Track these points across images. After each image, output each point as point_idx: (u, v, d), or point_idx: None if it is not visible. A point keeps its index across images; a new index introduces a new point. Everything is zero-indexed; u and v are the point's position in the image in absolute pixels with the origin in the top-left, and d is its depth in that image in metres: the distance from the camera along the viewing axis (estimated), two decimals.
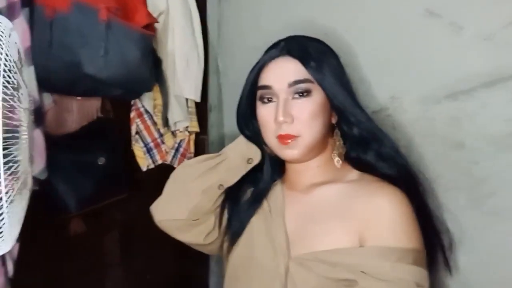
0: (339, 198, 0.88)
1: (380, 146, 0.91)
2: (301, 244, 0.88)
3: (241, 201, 1.02)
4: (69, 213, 1.08)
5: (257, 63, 0.95)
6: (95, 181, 1.13)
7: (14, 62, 0.63)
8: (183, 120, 1.42)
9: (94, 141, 1.17)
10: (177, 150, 1.50)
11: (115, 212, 1.30)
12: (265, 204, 0.98)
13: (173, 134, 1.47)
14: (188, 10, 1.39)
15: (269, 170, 1.02)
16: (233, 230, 1.00)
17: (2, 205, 0.59)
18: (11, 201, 0.61)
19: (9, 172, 0.60)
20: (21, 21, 0.91)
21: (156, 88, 1.33)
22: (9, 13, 0.90)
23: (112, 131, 1.25)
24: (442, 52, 0.96)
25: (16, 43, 0.65)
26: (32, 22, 0.94)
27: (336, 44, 0.99)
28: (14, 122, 0.62)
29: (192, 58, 1.39)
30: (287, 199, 0.96)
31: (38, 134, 0.93)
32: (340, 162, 0.94)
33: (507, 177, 0.86)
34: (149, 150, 1.41)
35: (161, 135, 1.44)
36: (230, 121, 1.54)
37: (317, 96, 0.89)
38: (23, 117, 0.66)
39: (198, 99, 1.46)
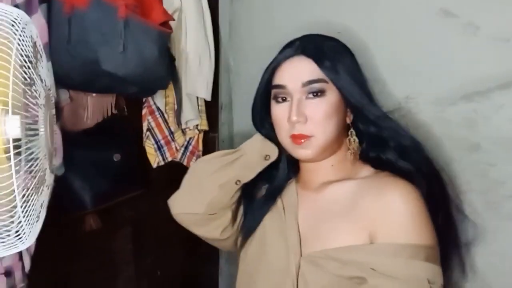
0: (350, 195, 0.87)
1: (400, 143, 0.90)
2: (313, 243, 0.88)
3: (257, 198, 1.03)
4: (84, 209, 1.08)
5: (272, 62, 0.95)
6: (110, 178, 1.13)
7: (27, 56, 0.61)
8: (194, 119, 1.42)
9: (109, 138, 1.17)
10: (186, 148, 1.51)
11: (125, 209, 1.30)
12: (279, 202, 0.99)
13: (183, 132, 1.48)
14: (200, 9, 1.39)
15: (285, 168, 1.02)
16: (247, 226, 1.01)
17: (16, 205, 0.58)
18: (27, 200, 0.61)
19: (23, 170, 0.59)
20: (39, 17, 0.92)
21: (169, 86, 1.33)
22: (27, 8, 0.90)
23: (126, 128, 1.25)
24: (458, 52, 0.96)
25: (31, 37, 0.65)
26: (49, 18, 0.94)
27: (350, 43, 0.99)
28: (27, 120, 0.61)
29: (204, 57, 1.39)
30: (300, 199, 0.96)
31: (56, 130, 0.93)
32: (352, 155, 0.93)
33: None
34: (160, 147, 1.41)
35: (171, 133, 1.44)
36: (240, 120, 1.54)
37: (331, 96, 0.88)
38: (40, 113, 0.65)
39: (209, 98, 1.46)
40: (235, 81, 1.54)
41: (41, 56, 0.68)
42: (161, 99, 1.36)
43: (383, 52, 1.07)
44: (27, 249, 0.85)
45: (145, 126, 1.36)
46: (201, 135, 1.54)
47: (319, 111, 0.87)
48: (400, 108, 1.04)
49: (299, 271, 0.87)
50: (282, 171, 1.02)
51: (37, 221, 0.65)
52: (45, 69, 0.70)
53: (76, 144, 1.02)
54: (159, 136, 1.41)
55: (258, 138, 1.02)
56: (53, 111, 0.75)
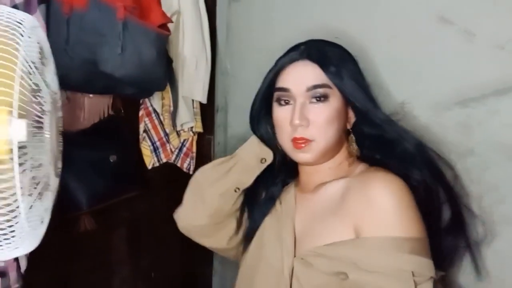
0: (340, 192, 0.87)
1: (405, 146, 0.90)
2: (306, 243, 0.89)
3: (258, 202, 1.04)
4: (80, 210, 1.07)
5: (276, 64, 0.95)
6: (106, 179, 1.12)
7: (33, 63, 0.61)
8: (189, 121, 1.42)
9: (105, 138, 1.16)
10: (180, 149, 1.51)
11: (121, 210, 1.30)
12: (278, 205, 1.00)
13: (178, 134, 1.48)
14: (198, 12, 1.39)
15: (280, 171, 1.03)
16: (247, 229, 1.03)
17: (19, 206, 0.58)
18: (30, 207, 0.60)
19: (28, 178, 0.59)
20: (38, 17, 0.91)
21: (165, 88, 1.33)
22: (26, 9, 0.89)
23: (123, 129, 1.25)
24: (454, 58, 0.97)
25: (38, 42, 0.64)
26: (48, 19, 0.94)
27: (347, 47, 1.00)
28: (32, 129, 0.60)
29: (201, 59, 1.39)
30: (298, 202, 0.97)
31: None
32: (350, 158, 0.94)
33: None
34: (155, 149, 1.41)
35: (166, 134, 1.44)
36: (236, 122, 1.55)
37: (334, 101, 0.89)
38: (46, 119, 0.64)
39: (205, 101, 1.46)
40: (231, 84, 1.54)
41: (47, 61, 0.68)
42: (158, 101, 1.36)
43: (380, 57, 1.08)
44: None
45: (141, 127, 1.36)
46: (196, 137, 1.54)
47: (322, 116, 0.88)
48: (396, 112, 1.04)
49: (293, 272, 0.87)
50: (278, 174, 1.03)
51: (41, 224, 0.65)
52: (51, 73, 0.69)
53: (72, 144, 1.02)
54: (155, 138, 1.41)
55: (252, 142, 1.03)
56: (60, 114, 0.74)
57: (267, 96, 0.97)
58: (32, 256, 0.89)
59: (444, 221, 0.91)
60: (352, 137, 0.95)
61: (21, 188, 0.55)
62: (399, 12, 1.06)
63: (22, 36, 0.59)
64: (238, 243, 1.07)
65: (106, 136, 1.17)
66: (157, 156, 1.42)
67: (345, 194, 0.86)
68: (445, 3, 0.98)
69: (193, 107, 1.47)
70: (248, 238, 1.02)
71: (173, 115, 1.36)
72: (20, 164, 0.55)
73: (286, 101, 0.92)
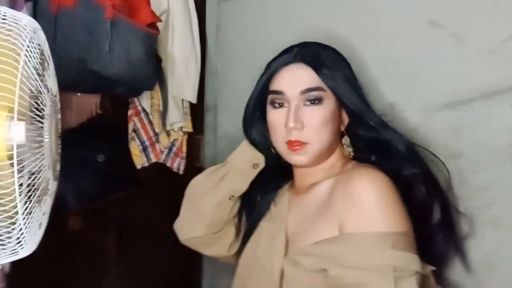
0: (328, 191, 0.87)
1: (397, 147, 0.90)
2: (297, 243, 0.89)
3: (253, 206, 1.03)
4: (68, 210, 1.06)
5: (269, 67, 0.95)
6: (94, 178, 1.12)
7: (35, 69, 0.60)
8: (179, 121, 1.42)
9: (93, 137, 1.16)
10: (170, 149, 1.50)
11: (111, 210, 1.29)
12: (272, 208, 1.00)
13: (168, 133, 1.47)
14: (188, 11, 1.39)
15: (274, 175, 1.02)
16: (243, 233, 1.03)
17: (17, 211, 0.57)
18: (29, 212, 0.59)
19: (27, 184, 0.58)
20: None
21: (154, 87, 1.32)
22: (12, 6, 0.88)
23: (111, 128, 1.24)
24: (444, 62, 0.98)
25: (39, 45, 0.63)
26: (35, 17, 0.93)
27: (339, 50, 1.00)
28: (32, 134, 0.59)
29: (191, 59, 1.39)
30: (291, 203, 0.97)
31: None
32: (343, 159, 0.94)
33: (506, 187, 0.88)
34: (144, 149, 1.40)
35: (156, 134, 1.44)
36: (225, 122, 1.54)
37: (328, 104, 0.89)
38: (45, 124, 0.63)
39: (195, 101, 1.46)
40: (221, 84, 1.54)
41: (48, 64, 0.67)
42: (146, 101, 1.35)
43: (371, 60, 1.08)
44: None
45: (130, 127, 1.36)
46: (186, 137, 1.53)
47: (316, 118, 0.88)
48: (385, 114, 1.05)
49: (283, 274, 0.87)
50: (273, 178, 1.03)
51: (39, 229, 0.64)
52: (51, 76, 0.68)
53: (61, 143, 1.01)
54: (144, 137, 1.40)
55: (243, 148, 1.03)
56: (59, 116, 0.73)
57: (261, 99, 0.96)
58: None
59: (436, 219, 0.91)
60: (346, 138, 0.95)
61: (20, 193, 0.54)
62: (390, 16, 1.06)
63: (25, 40, 0.58)
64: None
65: (94, 135, 1.16)
66: (146, 156, 1.41)
67: (331, 192, 0.86)
68: (435, 8, 0.99)
69: (183, 107, 1.47)
70: (244, 241, 1.02)
71: (163, 114, 1.35)
72: (20, 171, 0.54)
73: (280, 104, 0.91)
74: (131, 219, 1.39)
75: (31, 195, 0.59)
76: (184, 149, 1.53)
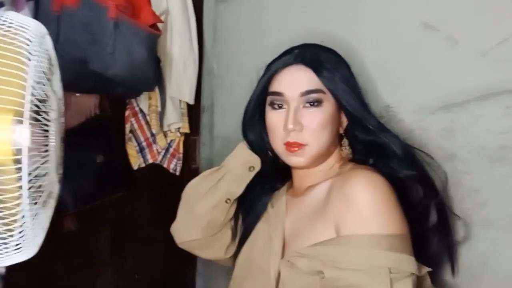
0: (325, 193, 0.87)
1: (394, 150, 0.91)
2: (294, 245, 0.89)
3: (250, 208, 1.04)
4: (65, 211, 1.06)
5: (268, 68, 0.95)
6: (93, 179, 1.11)
7: (44, 72, 0.60)
8: (177, 122, 1.42)
9: (92, 138, 1.16)
10: (167, 150, 1.51)
11: (106, 211, 1.29)
12: (269, 209, 1.00)
13: (165, 134, 1.48)
14: (186, 12, 1.39)
15: (270, 177, 1.03)
16: (240, 235, 1.04)
17: (24, 222, 0.58)
18: (35, 215, 0.60)
19: (34, 189, 0.58)
20: (26, 14, 0.90)
21: (154, 89, 1.33)
22: (13, 5, 0.88)
23: (109, 129, 1.24)
24: (438, 64, 0.99)
25: (47, 50, 0.64)
26: (36, 16, 0.93)
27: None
28: (39, 138, 0.59)
29: (189, 60, 1.40)
30: (289, 205, 0.97)
31: None
32: (342, 161, 0.95)
33: (499, 189, 0.89)
34: (141, 149, 1.41)
35: (153, 135, 1.44)
36: (221, 123, 1.55)
37: (328, 106, 0.90)
38: (51, 128, 0.63)
39: (192, 102, 1.47)
40: (217, 85, 1.55)
41: (55, 68, 0.67)
42: (144, 101, 1.36)
43: (366, 62, 1.09)
44: None
45: (127, 127, 1.36)
46: (182, 138, 1.54)
47: (315, 120, 0.88)
48: (380, 116, 1.06)
49: (280, 276, 0.88)
50: (269, 180, 1.03)
51: (42, 231, 0.65)
52: (58, 81, 0.69)
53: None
54: (141, 138, 1.40)
55: (240, 151, 1.03)
56: (62, 119, 0.73)
57: (261, 101, 0.97)
58: None
59: (432, 221, 0.92)
60: (345, 141, 0.96)
61: (28, 197, 0.55)
62: (385, 19, 1.08)
63: (35, 46, 0.59)
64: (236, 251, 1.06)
65: (93, 136, 1.16)
66: (143, 156, 1.41)
67: (328, 194, 0.86)
68: (430, 11, 1.00)
69: (181, 108, 1.47)
70: (241, 242, 1.02)
71: (161, 115, 1.36)
72: (28, 174, 0.54)
73: (280, 105, 0.92)
74: (126, 220, 1.39)
75: (36, 198, 0.59)
76: (181, 150, 1.54)
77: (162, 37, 1.29)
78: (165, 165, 1.50)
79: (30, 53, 0.56)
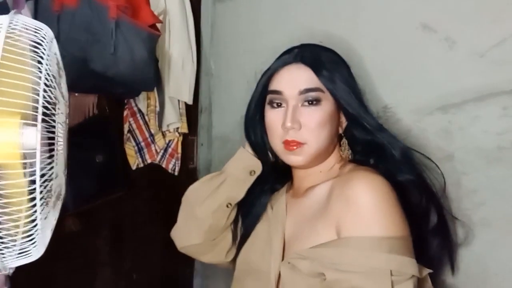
0: (326, 194, 0.87)
1: (391, 152, 0.91)
2: (294, 247, 0.89)
3: (249, 210, 1.04)
4: (65, 211, 1.06)
5: (269, 68, 0.95)
6: (92, 179, 1.11)
7: (53, 76, 0.60)
8: (175, 122, 1.42)
9: (90, 138, 1.15)
10: (165, 150, 1.51)
11: (105, 211, 1.29)
12: (269, 210, 1.00)
13: (163, 134, 1.48)
14: (184, 12, 1.40)
15: (269, 178, 1.03)
16: (240, 236, 1.03)
17: (36, 224, 0.58)
18: (45, 218, 0.60)
19: (45, 192, 0.58)
20: (26, 13, 0.90)
21: (154, 89, 1.33)
22: (14, 5, 0.88)
23: (108, 128, 1.24)
24: (436, 65, 0.99)
25: (56, 53, 0.64)
26: (36, 15, 0.93)
27: None
28: (48, 141, 0.59)
29: (187, 60, 1.40)
30: (289, 206, 0.97)
31: None
32: (342, 161, 0.95)
33: (496, 189, 0.90)
34: (140, 149, 1.41)
35: (151, 135, 1.44)
36: (219, 123, 1.55)
37: (327, 105, 0.90)
38: (61, 132, 0.63)
39: (191, 102, 1.47)
40: (215, 85, 1.55)
41: (62, 72, 0.67)
42: (143, 101, 1.36)
43: (364, 63, 1.10)
44: None
45: (126, 127, 1.36)
46: (181, 138, 1.54)
47: (314, 119, 0.88)
48: (378, 117, 1.06)
49: (280, 277, 0.88)
50: (268, 181, 1.03)
51: (50, 232, 0.65)
52: (65, 84, 0.69)
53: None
54: (140, 138, 1.40)
55: (240, 155, 1.03)
56: (67, 121, 0.73)
57: (261, 101, 0.97)
58: None
59: (432, 223, 0.93)
60: (345, 141, 0.96)
61: (40, 199, 0.55)
62: (383, 20, 1.08)
63: (44, 50, 0.58)
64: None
65: (91, 135, 1.15)
66: (141, 156, 1.41)
67: (329, 195, 0.86)
68: (428, 12, 1.01)
69: (179, 108, 1.47)
70: (240, 244, 1.02)
71: (159, 115, 1.36)
72: (42, 175, 0.54)
73: (279, 104, 0.92)
74: (124, 220, 1.39)
75: (47, 201, 0.59)
76: (180, 150, 1.54)
77: (161, 37, 1.29)
78: (163, 165, 1.50)
79: (41, 56, 0.56)
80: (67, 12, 0.93)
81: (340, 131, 0.96)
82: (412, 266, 0.76)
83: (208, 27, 1.56)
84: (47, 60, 0.58)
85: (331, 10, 1.19)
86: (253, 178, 1.01)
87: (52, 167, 0.59)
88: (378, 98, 1.08)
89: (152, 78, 1.16)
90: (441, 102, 0.98)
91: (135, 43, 1.00)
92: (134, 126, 1.38)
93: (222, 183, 1.01)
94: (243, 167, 1.01)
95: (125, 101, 1.35)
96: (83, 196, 1.09)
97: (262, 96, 0.97)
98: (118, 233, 1.37)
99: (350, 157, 0.97)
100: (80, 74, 0.98)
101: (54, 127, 0.60)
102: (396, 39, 1.06)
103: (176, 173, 1.51)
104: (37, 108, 0.55)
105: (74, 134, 1.12)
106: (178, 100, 1.45)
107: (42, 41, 0.58)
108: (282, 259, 0.90)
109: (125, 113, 1.36)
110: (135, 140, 1.39)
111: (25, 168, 0.55)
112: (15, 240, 0.57)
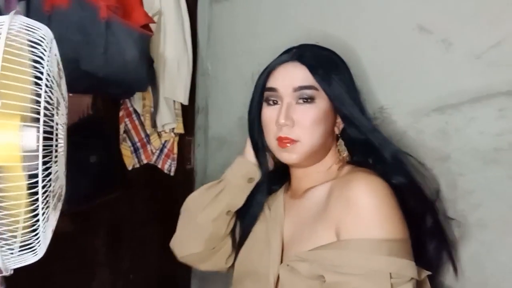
0: (325, 196, 0.87)
1: (383, 155, 0.91)
2: (293, 249, 0.89)
3: (246, 211, 1.03)
4: (62, 211, 1.05)
5: (267, 66, 0.96)
6: (88, 180, 1.11)
7: (53, 77, 0.60)
8: (171, 122, 1.42)
9: (85, 138, 1.15)
10: (161, 150, 1.51)
11: (102, 211, 1.29)
12: (267, 211, 1.00)
13: (159, 135, 1.47)
14: (180, 12, 1.39)
15: (267, 179, 1.02)
16: (238, 238, 1.03)
17: (38, 226, 0.57)
18: (46, 219, 0.59)
19: (46, 194, 0.58)
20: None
21: (147, 89, 1.32)
22: (6, 5, 0.88)
23: (103, 129, 1.23)
24: (432, 66, 0.99)
25: (56, 54, 0.63)
26: (28, 16, 0.92)
27: None
28: (50, 142, 0.59)
29: (183, 60, 1.39)
30: (287, 208, 0.97)
31: None
32: (339, 162, 0.94)
33: (493, 190, 0.89)
34: (135, 150, 1.40)
35: (147, 135, 1.44)
36: (216, 123, 1.55)
37: (321, 103, 0.90)
38: (61, 133, 0.63)
39: (186, 102, 1.46)
40: (212, 85, 1.55)
41: (62, 73, 0.67)
42: (138, 102, 1.35)
43: (361, 64, 1.09)
44: None
45: (122, 128, 1.35)
46: (177, 139, 1.54)
47: (307, 117, 0.88)
48: (375, 117, 1.06)
49: (279, 280, 0.87)
50: (265, 181, 1.02)
51: (51, 233, 0.65)
52: (64, 85, 0.68)
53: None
54: (136, 139, 1.40)
55: (239, 163, 1.03)
56: (66, 121, 0.73)
57: (261, 99, 0.96)
58: None
59: (428, 225, 0.92)
60: (341, 142, 0.95)
61: (42, 201, 0.55)
62: (381, 21, 1.08)
63: (45, 50, 0.58)
64: None
65: (86, 136, 1.15)
66: (137, 157, 1.41)
67: (328, 197, 0.85)
68: (425, 13, 1.00)
69: (175, 108, 1.47)
70: (239, 245, 1.02)
71: (154, 115, 1.36)
72: (43, 177, 0.54)
73: (274, 101, 0.92)
74: (121, 220, 1.39)
75: (49, 202, 0.59)
76: (175, 150, 1.54)
77: (156, 37, 1.29)
78: (159, 166, 1.50)
79: (41, 57, 0.56)
80: (58, 12, 0.92)
81: (337, 131, 0.95)
82: (411, 268, 0.76)
83: (205, 27, 1.55)
84: (48, 61, 0.57)
85: (329, 11, 1.18)
86: (252, 186, 1.02)
87: (53, 169, 0.59)
88: (374, 99, 1.07)
89: (145, 78, 1.16)
90: (438, 103, 0.98)
91: (126, 43, 0.99)
92: (130, 126, 1.38)
93: (222, 191, 1.01)
94: (242, 174, 1.01)
95: (121, 101, 1.34)
96: (79, 196, 1.09)
97: (261, 95, 0.96)
98: (115, 233, 1.37)
99: (348, 158, 0.96)
100: (73, 75, 0.96)
101: (52, 127, 0.59)
102: (394, 40, 1.05)
103: (172, 174, 1.51)
104: (36, 109, 0.55)
105: (70, 134, 1.13)
106: (174, 101, 1.45)
107: (41, 41, 0.57)
108: (281, 261, 0.89)
109: (121, 113, 1.35)
110: (131, 141, 1.38)
111: (25, 170, 0.55)
112: (16, 242, 0.57)
